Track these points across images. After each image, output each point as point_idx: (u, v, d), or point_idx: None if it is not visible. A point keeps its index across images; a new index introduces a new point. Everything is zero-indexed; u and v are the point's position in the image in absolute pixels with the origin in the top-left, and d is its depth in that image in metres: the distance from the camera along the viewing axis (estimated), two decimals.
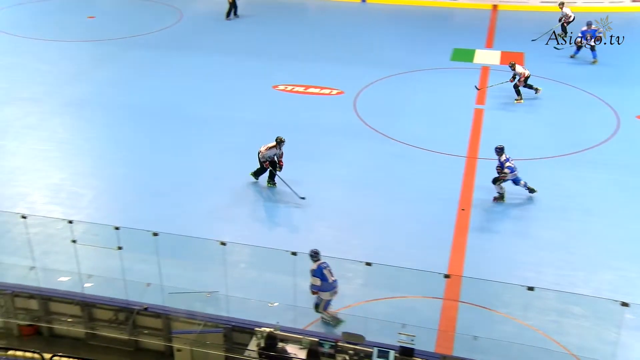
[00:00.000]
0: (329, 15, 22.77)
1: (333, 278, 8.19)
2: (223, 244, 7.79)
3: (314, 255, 8.12)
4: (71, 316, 7.91)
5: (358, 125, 13.85)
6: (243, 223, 10.48)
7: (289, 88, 15.77)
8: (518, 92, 14.88)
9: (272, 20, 22.21)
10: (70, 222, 8.50)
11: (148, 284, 8.21)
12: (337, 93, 15.51)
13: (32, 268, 8.94)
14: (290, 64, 17.47)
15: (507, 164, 10.89)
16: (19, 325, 8.02)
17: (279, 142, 11.19)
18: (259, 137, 12.20)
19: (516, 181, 11.02)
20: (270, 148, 11.22)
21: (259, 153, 11.26)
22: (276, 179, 11.34)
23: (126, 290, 7.98)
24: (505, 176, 10.91)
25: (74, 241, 8.53)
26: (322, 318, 8.38)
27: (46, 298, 7.97)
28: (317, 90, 15.65)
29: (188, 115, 14.53)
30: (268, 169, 11.27)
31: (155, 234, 7.77)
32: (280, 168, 11.20)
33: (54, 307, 8.01)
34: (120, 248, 8.12)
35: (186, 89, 16.03)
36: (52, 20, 21.79)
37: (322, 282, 8.12)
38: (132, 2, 23.90)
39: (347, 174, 11.99)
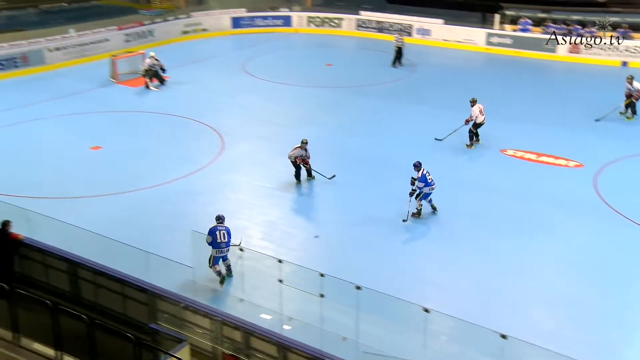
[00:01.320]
0: (569, 76, 21.75)
1: (223, 240, 10.30)
2: (426, 310, 7.65)
3: (219, 218, 10.48)
4: (268, 355, 8.34)
5: (596, 204, 12.94)
6: (450, 291, 10.28)
7: (519, 154, 15.38)
8: None
9: (501, 75, 22.03)
10: (280, 261, 9.21)
11: (344, 338, 8.38)
12: (575, 165, 14.70)
13: (241, 300, 9.90)
14: (520, 127, 17.06)
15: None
16: (223, 353, 8.67)
17: (303, 143, 13.69)
18: (485, 203, 11.96)
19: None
20: (296, 149, 13.70)
21: (289, 157, 13.76)
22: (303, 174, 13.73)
23: (321, 340, 8.23)
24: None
25: (280, 281, 9.21)
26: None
27: (248, 332, 8.47)
28: (550, 160, 15.01)
29: (405, 168, 14.96)
30: (301, 166, 13.73)
31: (358, 288, 7.97)
32: (309, 166, 13.75)
33: (254, 342, 8.47)
34: (322, 296, 8.51)
35: (409, 141, 16.56)
36: (295, 67, 24.62)
37: (213, 240, 10.29)
38: (371, 53, 25.79)
39: (572, 253, 11.22)
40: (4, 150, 15.96)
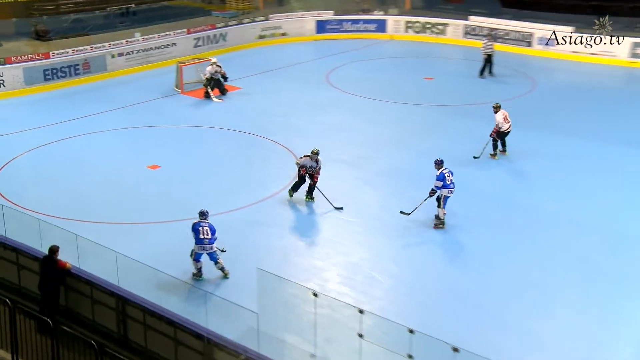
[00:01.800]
0: None
1: (206, 237, 11.73)
2: None
3: (202, 214, 11.97)
4: None
5: None
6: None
7: None
8: None
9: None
10: (361, 311, 9.08)
11: None
12: None
13: (312, 356, 9.83)
14: None
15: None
16: None
17: (313, 153, 14.29)
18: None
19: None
20: (306, 157, 14.36)
21: (296, 164, 14.60)
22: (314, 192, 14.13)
23: None
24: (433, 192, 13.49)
25: (360, 335, 9.08)
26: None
27: None
28: None
29: (523, 206, 14.60)
30: (306, 180, 14.35)
31: (456, 350, 7.74)
32: (314, 183, 14.38)
33: None
34: (410, 357, 8.31)
35: (525, 175, 16.25)
36: (389, 80, 24.70)
37: (196, 236, 11.74)
38: (479, 66, 25.54)
39: None
40: (56, 167, 16.92)
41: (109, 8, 28.92)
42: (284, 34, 30.57)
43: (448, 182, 13.52)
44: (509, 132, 16.78)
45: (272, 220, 14.11)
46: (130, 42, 25.60)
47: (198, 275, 12.06)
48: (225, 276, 12.03)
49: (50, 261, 10.42)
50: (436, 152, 17.50)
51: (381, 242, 13.44)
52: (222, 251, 11.97)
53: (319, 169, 14.56)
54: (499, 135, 16.82)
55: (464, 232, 13.60)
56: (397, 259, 12.83)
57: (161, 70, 25.53)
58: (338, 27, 31.15)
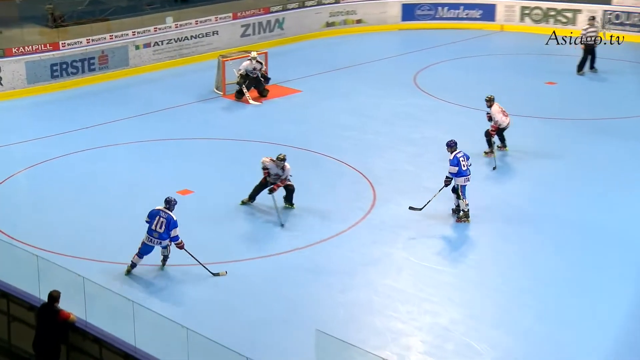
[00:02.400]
0: None
1: (158, 230, 13.31)
2: None
3: (168, 202, 13.49)
4: None
5: None
6: None
7: None
8: None
9: None
10: None
11: None
12: None
13: None
14: None
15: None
16: None
17: (279, 159, 15.79)
18: None
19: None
20: (272, 160, 15.90)
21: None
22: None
23: None
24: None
25: None
26: None
27: None
28: None
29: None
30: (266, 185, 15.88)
31: None
32: (272, 191, 15.77)
33: None
34: None
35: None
36: (497, 83, 24.28)
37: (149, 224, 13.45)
38: (624, 67, 25.15)
39: None
40: (61, 189, 17.38)
41: None
42: (359, 21, 30.85)
43: (464, 169, 15.26)
44: (507, 127, 18.67)
45: (337, 267, 14.14)
46: (160, 29, 26.30)
47: (128, 270, 13.66)
48: (162, 267, 13.89)
49: (49, 311, 10.47)
50: (561, 182, 17.41)
51: (479, 298, 13.31)
52: (218, 275, 13.58)
53: (286, 179, 15.89)
54: (497, 131, 18.62)
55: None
56: (501, 321, 12.66)
57: (198, 66, 26.12)
58: (431, 13, 31.26)
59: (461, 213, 15.56)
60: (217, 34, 27.40)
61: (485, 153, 18.72)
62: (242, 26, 28.10)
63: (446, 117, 21.68)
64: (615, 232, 15.34)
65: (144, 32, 25.91)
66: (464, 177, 15.42)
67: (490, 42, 29.76)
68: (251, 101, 22.69)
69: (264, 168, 15.95)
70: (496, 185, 17.64)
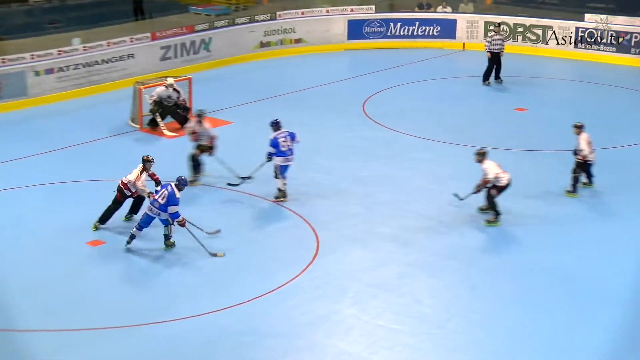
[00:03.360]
0: None
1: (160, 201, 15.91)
2: None
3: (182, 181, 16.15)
4: None
5: None
6: None
7: None
8: None
9: None
10: None
11: None
12: None
13: None
14: None
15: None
16: None
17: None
18: None
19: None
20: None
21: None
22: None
23: None
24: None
25: None
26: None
27: None
28: None
29: None
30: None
31: None
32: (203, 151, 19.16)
33: None
34: None
35: None
36: (457, 111, 24.91)
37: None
38: (601, 91, 25.82)
39: None
40: None
41: (32, 0, 29.64)
42: (299, 41, 31.20)
43: (282, 149, 18.21)
44: (593, 162, 19.00)
45: (277, 327, 14.03)
46: (65, 52, 26.25)
47: (128, 242, 16.36)
48: (166, 247, 16.23)
49: None
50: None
51: None
52: (215, 255, 15.77)
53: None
54: (582, 166, 18.90)
55: None
56: None
57: (111, 95, 26.11)
58: (381, 30, 31.78)
59: (278, 193, 18.29)
60: (133, 57, 27.45)
61: (568, 193, 19.09)
62: (162, 48, 28.21)
63: (401, 151, 21.89)
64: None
65: (46, 55, 25.78)
66: (282, 158, 18.28)
67: (451, 64, 30.26)
68: (166, 132, 22.75)
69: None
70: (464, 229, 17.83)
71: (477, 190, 17.63)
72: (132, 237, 16.23)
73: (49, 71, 25.72)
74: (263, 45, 30.63)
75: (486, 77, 27.44)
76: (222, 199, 19.01)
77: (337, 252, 16.54)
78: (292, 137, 18.49)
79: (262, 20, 30.79)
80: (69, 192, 19.52)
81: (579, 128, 18.85)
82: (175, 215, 15.86)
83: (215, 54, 29.44)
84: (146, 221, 16.16)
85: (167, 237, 16.30)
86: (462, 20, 31.77)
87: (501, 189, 17.57)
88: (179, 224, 15.97)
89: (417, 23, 31.77)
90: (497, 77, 27.49)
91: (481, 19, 31.70)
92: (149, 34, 28.07)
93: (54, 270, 15.79)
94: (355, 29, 31.54)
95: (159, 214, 15.96)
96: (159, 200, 15.87)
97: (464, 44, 31.65)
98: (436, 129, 23.21)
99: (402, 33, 31.76)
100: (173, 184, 15.98)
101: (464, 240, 17.07)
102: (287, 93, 26.50)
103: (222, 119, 23.83)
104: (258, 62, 29.95)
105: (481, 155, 17.72)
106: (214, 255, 15.97)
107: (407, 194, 19.23)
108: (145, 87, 23.90)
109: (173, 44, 28.44)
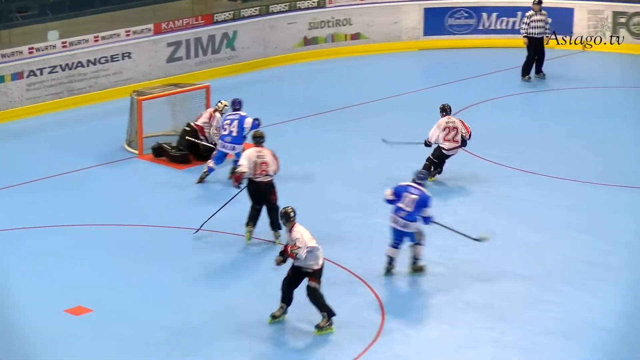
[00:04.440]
0: None
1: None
2: None
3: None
4: None
5: None
6: None
7: None
8: None
9: None
10: None
11: None
12: None
13: None
14: None
15: None
16: None
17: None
18: None
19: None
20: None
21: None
22: None
23: None
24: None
25: None
26: None
27: None
28: None
29: None
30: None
31: None
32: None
33: None
34: None
35: None
36: (583, 135, 25.20)
37: None
38: None
39: None
40: None
41: None
42: (356, 37, 31.37)
43: (224, 132, 21.88)
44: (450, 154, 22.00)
45: None
46: (39, 50, 26.65)
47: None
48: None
49: None
50: None
51: None
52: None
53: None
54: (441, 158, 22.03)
55: None
56: None
57: (99, 108, 26.44)
58: (471, 22, 31.94)
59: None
60: (130, 57, 27.78)
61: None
62: (169, 45, 28.52)
63: (493, 187, 22.08)
64: None
65: (13, 54, 26.20)
66: (221, 142, 22.07)
67: (570, 67, 30.45)
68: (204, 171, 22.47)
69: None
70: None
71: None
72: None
73: (17, 76, 26.10)
74: (308, 42, 30.81)
75: (525, 70, 28.54)
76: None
77: (409, 329, 16.64)
78: (241, 122, 21.98)
79: (306, 8, 30.99)
80: (37, 240, 19.78)
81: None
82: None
83: (242, 54, 29.71)
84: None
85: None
86: (582, 10, 31.86)
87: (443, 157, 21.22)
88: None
89: (519, 13, 31.73)
90: (538, 70, 28.51)
91: (612, 6, 31.75)
92: (151, 25, 28.36)
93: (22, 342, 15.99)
94: (435, 21, 31.75)
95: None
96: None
97: (585, 43, 31.64)
98: (543, 158, 23.25)
99: (499, 27, 31.86)
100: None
101: (588, 311, 17.12)
102: (339, 109, 26.68)
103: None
104: (300, 66, 30.13)
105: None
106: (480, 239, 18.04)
107: (505, 250, 19.34)
108: (146, 99, 23.93)
109: (184, 39, 28.76)
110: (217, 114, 22.63)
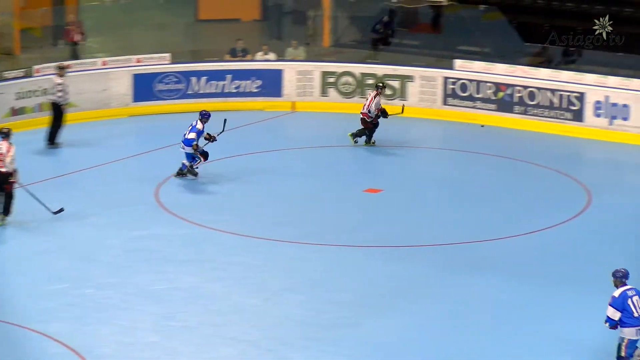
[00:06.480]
0: None
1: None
2: None
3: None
4: None
5: None
6: None
7: None
8: None
9: None
10: None
11: None
12: None
13: None
14: None
15: None
16: None
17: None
18: None
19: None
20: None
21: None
22: None
23: None
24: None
25: None
26: None
27: None
28: None
29: None
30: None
31: None
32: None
33: None
34: None
35: None
36: (286, 196, 25.44)
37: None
38: (479, 163, 27.32)
39: None
40: None
41: None
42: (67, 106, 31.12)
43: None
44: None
45: None
46: None
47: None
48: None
49: None
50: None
51: None
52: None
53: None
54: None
55: None
56: None
57: None
58: (180, 87, 32.14)
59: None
60: None
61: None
62: None
63: (211, 254, 22.27)
64: None
65: None
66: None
67: (275, 131, 30.88)
68: None
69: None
70: None
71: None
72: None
73: None
74: (15, 112, 30.45)
75: (51, 139, 29.19)
76: None
77: None
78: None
79: (12, 79, 30.62)
80: None
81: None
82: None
83: None
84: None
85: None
86: (291, 71, 32.50)
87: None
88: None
89: (229, 76, 32.16)
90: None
91: (316, 67, 32.47)
92: None
93: None
94: (144, 87, 31.78)
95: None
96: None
97: (293, 104, 32.32)
98: (260, 221, 23.57)
99: (208, 90, 32.09)
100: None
101: None
102: (49, 178, 26.48)
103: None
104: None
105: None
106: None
107: (222, 314, 19.57)
108: None
109: None
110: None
